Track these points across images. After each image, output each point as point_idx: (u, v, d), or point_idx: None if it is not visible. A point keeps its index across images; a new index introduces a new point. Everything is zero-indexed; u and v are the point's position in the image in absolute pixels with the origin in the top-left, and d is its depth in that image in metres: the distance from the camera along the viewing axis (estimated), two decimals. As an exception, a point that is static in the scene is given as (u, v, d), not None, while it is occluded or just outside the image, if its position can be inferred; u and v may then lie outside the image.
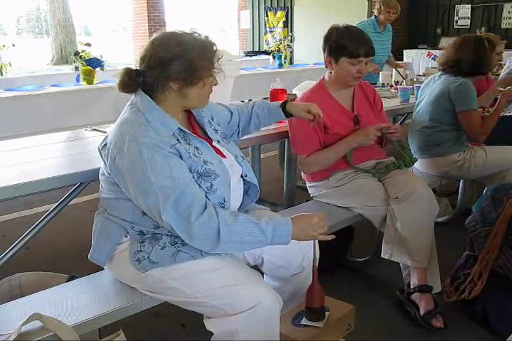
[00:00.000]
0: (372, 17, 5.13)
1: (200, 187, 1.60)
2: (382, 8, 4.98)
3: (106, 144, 1.61)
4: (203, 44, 1.61)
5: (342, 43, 2.31)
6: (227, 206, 1.69)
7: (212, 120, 1.87)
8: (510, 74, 4.20)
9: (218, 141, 1.79)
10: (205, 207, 1.55)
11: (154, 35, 1.62)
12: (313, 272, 1.76)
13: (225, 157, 1.74)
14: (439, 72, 2.98)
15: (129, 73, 1.61)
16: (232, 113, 2.06)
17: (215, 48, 1.63)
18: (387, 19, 5.05)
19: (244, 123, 2.10)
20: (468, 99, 2.77)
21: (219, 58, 1.65)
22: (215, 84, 1.69)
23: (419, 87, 3.21)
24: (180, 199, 1.52)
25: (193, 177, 1.59)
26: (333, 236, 1.69)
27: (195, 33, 1.62)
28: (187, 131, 1.65)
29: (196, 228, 1.52)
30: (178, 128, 1.62)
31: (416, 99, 3.21)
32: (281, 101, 2.13)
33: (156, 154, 1.52)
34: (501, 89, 3.40)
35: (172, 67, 1.56)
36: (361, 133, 2.37)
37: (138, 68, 1.62)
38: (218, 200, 1.65)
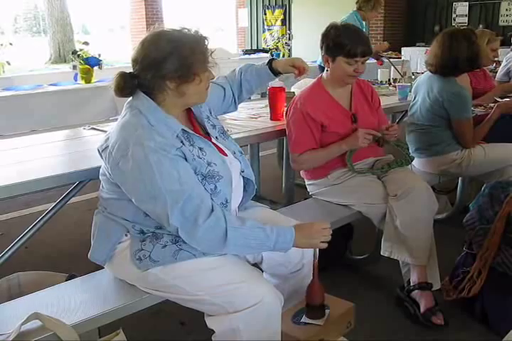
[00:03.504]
0: (352, 12, 5.12)
1: (204, 189, 1.59)
2: (376, 6, 5.04)
3: (107, 147, 1.59)
4: (194, 39, 1.60)
5: (339, 42, 2.30)
6: (229, 207, 1.69)
7: (211, 114, 1.85)
8: (509, 73, 4.20)
9: (216, 137, 1.78)
10: (212, 209, 1.55)
11: (144, 36, 1.60)
12: (313, 269, 1.76)
13: (226, 155, 1.74)
14: (428, 73, 2.93)
15: (123, 77, 1.59)
16: (224, 88, 2.08)
17: (207, 42, 1.62)
18: (373, 17, 5.22)
19: (237, 92, 2.12)
20: (462, 109, 2.76)
21: (212, 52, 1.64)
22: (212, 79, 1.68)
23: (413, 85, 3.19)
24: (188, 203, 1.51)
25: (198, 179, 1.59)
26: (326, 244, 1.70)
27: (185, 28, 1.61)
28: (190, 131, 1.64)
29: (203, 230, 1.52)
30: (182, 129, 1.61)
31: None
32: (267, 60, 2.15)
33: (163, 158, 1.51)
34: (498, 99, 3.39)
35: (166, 66, 1.54)
36: (352, 136, 2.36)
37: (132, 71, 1.60)
38: (221, 201, 1.65)
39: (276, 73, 2.13)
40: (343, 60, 2.32)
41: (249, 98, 3.82)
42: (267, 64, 2.12)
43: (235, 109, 2.19)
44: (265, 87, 2.86)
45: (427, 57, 2.92)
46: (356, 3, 5.17)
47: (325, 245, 1.68)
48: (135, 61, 1.59)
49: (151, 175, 1.50)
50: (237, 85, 2.11)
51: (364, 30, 5.09)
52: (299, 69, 2.14)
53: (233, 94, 2.11)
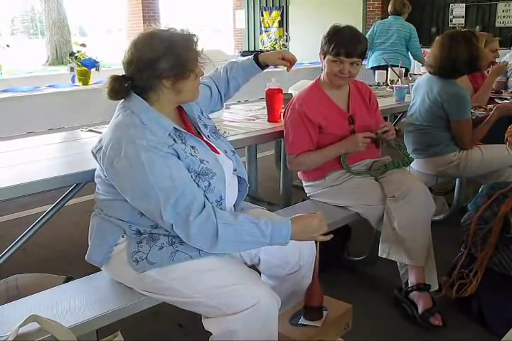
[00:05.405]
0: (398, 19, 5.46)
1: (198, 186, 1.60)
2: (409, 6, 5.53)
3: (101, 148, 1.60)
4: (184, 37, 1.63)
5: (329, 40, 2.33)
6: (224, 204, 1.70)
7: (202, 114, 1.87)
8: (506, 73, 4.20)
9: (208, 136, 1.79)
10: (204, 206, 1.55)
11: (134, 38, 1.62)
12: (313, 270, 1.76)
13: (218, 153, 1.75)
14: (427, 74, 2.93)
15: (117, 80, 1.61)
16: (210, 87, 2.10)
17: (196, 39, 1.64)
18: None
19: (224, 90, 2.14)
20: (462, 110, 2.76)
21: (203, 48, 1.66)
22: (201, 75, 1.69)
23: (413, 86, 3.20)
24: (180, 199, 1.52)
25: (191, 176, 1.60)
26: (332, 236, 1.70)
27: (171, 28, 1.63)
28: (182, 130, 1.65)
29: (195, 227, 1.52)
30: (174, 128, 1.62)
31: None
32: (253, 55, 2.17)
33: (154, 156, 1.52)
34: (498, 101, 3.39)
35: (161, 66, 1.56)
36: (350, 141, 2.37)
37: (125, 73, 1.62)
38: (216, 198, 1.66)
39: (262, 66, 2.15)
40: (330, 58, 2.34)
41: (247, 100, 3.83)
42: (254, 58, 2.14)
43: (221, 107, 2.23)
44: (263, 92, 2.86)
45: (427, 59, 2.93)
46: (394, 10, 5.48)
47: (325, 237, 1.68)
48: (129, 63, 1.60)
49: (143, 173, 1.51)
50: (223, 83, 2.13)
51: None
52: (289, 61, 2.16)
53: (219, 93, 2.13)
